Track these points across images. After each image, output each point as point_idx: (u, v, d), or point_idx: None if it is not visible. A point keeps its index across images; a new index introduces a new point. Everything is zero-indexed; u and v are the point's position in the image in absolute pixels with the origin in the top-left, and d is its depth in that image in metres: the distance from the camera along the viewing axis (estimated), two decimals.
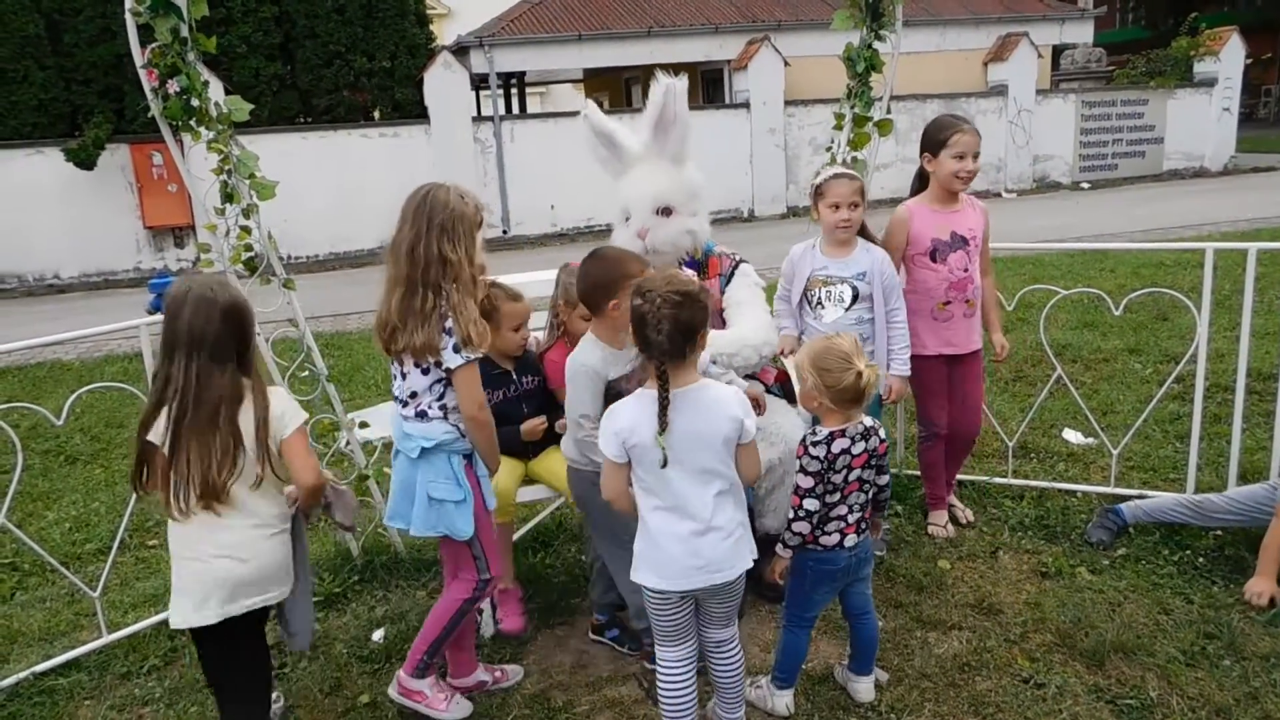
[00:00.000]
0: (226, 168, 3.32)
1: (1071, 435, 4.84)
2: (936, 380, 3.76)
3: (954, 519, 3.92)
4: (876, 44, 3.87)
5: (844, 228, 3.44)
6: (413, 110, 15.97)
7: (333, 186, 14.24)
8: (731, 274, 3.40)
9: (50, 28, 14.05)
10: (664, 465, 2.34)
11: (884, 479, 2.74)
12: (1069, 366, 5.84)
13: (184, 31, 3.12)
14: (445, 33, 22.77)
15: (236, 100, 3.34)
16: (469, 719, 2.87)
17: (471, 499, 2.73)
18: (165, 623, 3.46)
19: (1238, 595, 3.24)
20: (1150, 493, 3.99)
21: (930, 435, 3.85)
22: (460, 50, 16.40)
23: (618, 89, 23.55)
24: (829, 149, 4.06)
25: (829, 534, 2.65)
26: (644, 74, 20.35)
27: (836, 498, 2.63)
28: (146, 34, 3.14)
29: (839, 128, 4.01)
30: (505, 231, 15.59)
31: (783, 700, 2.79)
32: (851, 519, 2.66)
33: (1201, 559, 3.48)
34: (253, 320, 2.51)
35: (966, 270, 3.66)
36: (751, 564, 2.49)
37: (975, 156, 3.62)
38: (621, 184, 3.39)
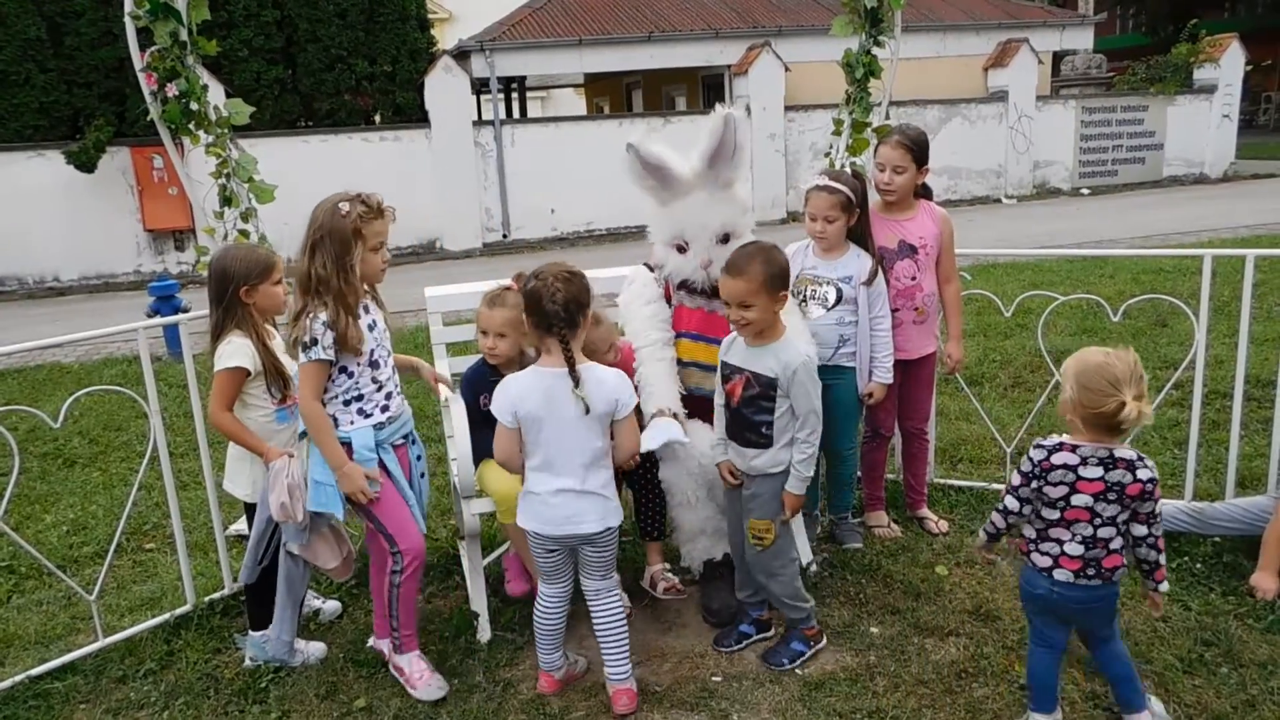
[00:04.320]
0: (225, 171, 3.32)
1: None
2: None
3: (928, 530, 3.92)
4: (875, 50, 3.88)
5: (819, 237, 3.52)
6: (414, 114, 15.99)
7: (333, 190, 14.12)
8: None
9: (51, 31, 14.07)
10: (587, 413, 2.67)
11: (1141, 530, 2.40)
12: None
13: (183, 35, 3.13)
14: (446, 37, 22.78)
15: (237, 103, 3.35)
16: (442, 701, 2.93)
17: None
18: (162, 626, 3.47)
19: (1236, 602, 3.23)
20: None
21: (875, 436, 3.90)
22: (461, 54, 16.42)
23: (618, 94, 23.60)
24: (828, 154, 4.07)
25: (1042, 554, 2.49)
26: (645, 79, 20.43)
27: (1055, 516, 2.43)
28: (146, 37, 3.15)
29: (838, 133, 4.02)
30: (505, 235, 15.60)
31: None
32: (1071, 552, 2.41)
33: (1199, 565, 3.48)
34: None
35: (914, 279, 3.67)
36: (615, 525, 2.80)
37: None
38: (674, 211, 3.27)
